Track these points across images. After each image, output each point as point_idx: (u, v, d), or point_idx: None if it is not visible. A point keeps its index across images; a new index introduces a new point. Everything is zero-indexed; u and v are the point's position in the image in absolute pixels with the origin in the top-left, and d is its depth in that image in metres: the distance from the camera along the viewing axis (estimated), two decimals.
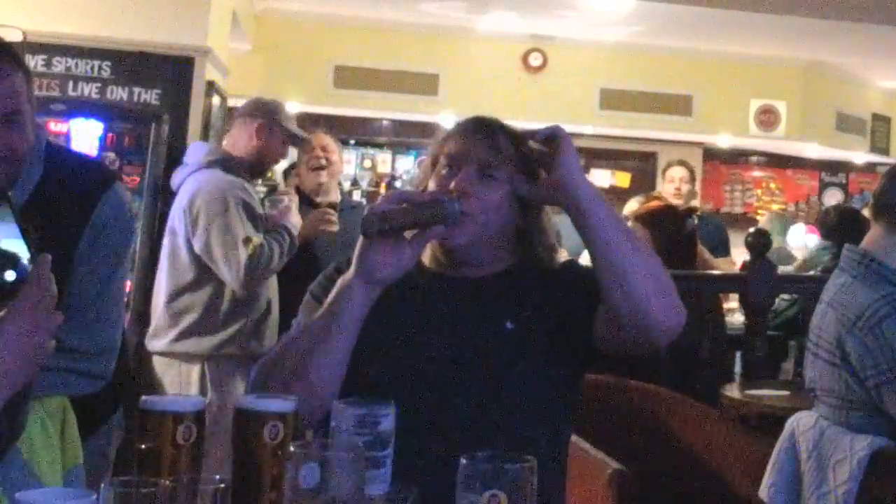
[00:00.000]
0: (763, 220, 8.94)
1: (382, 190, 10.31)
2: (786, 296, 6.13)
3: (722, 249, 7.08)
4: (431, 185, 2.24)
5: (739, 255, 7.10)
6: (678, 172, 6.96)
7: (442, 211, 2.04)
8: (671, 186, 6.91)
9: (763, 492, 3.22)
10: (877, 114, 11.66)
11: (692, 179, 6.98)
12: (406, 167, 10.63)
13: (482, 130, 2.24)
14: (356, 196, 9.76)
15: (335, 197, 5.10)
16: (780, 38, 9.39)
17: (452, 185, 2.15)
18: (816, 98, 10.62)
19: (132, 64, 6.12)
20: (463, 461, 1.43)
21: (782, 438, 3.21)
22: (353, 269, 2.05)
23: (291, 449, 1.50)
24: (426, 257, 2.27)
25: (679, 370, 4.75)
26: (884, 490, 2.84)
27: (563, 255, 5.99)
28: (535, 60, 9.86)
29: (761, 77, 10.24)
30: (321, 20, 9.28)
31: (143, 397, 1.61)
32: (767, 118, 10.39)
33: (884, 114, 11.76)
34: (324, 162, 5.05)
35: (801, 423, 3.15)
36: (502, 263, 2.25)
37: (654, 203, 5.68)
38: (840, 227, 6.34)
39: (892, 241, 3.05)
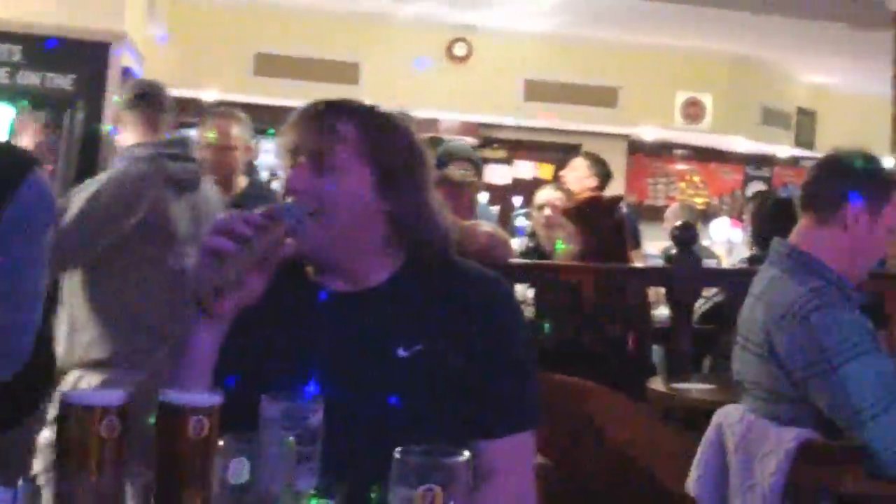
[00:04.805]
0: (669, 211, 8.67)
1: None
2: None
3: (632, 241, 7.00)
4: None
5: (659, 248, 7.09)
6: (577, 163, 6.77)
7: (281, 227, 1.75)
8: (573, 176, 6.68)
9: (690, 486, 3.22)
10: (802, 108, 11.83)
11: (594, 174, 6.68)
12: None
13: (315, 115, 1.96)
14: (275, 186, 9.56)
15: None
16: (707, 31, 9.46)
17: (283, 184, 1.91)
18: (742, 91, 10.73)
19: (44, 48, 5.98)
20: (396, 455, 1.35)
21: (709, 432, 3.22)
22: (191, 307, 1.77)
23: (220, 444, 1.44)
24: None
25: (605, 364, 4.73)
26: (810, 481, 2.83)
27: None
28: (459, 50, 9.80)
29: (687, 70, 10.30)
30: (240, 5, 9.16)
31: (65, 390, 1.53)
32: (693, 111, 10.45)
33: (809, 108, 11.93)
34: None
35: (728, 416, 3.14)
36: (386, 267, 1.96)
37: (580, 197, 5.69)
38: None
39: (820, 233, 3.04)
